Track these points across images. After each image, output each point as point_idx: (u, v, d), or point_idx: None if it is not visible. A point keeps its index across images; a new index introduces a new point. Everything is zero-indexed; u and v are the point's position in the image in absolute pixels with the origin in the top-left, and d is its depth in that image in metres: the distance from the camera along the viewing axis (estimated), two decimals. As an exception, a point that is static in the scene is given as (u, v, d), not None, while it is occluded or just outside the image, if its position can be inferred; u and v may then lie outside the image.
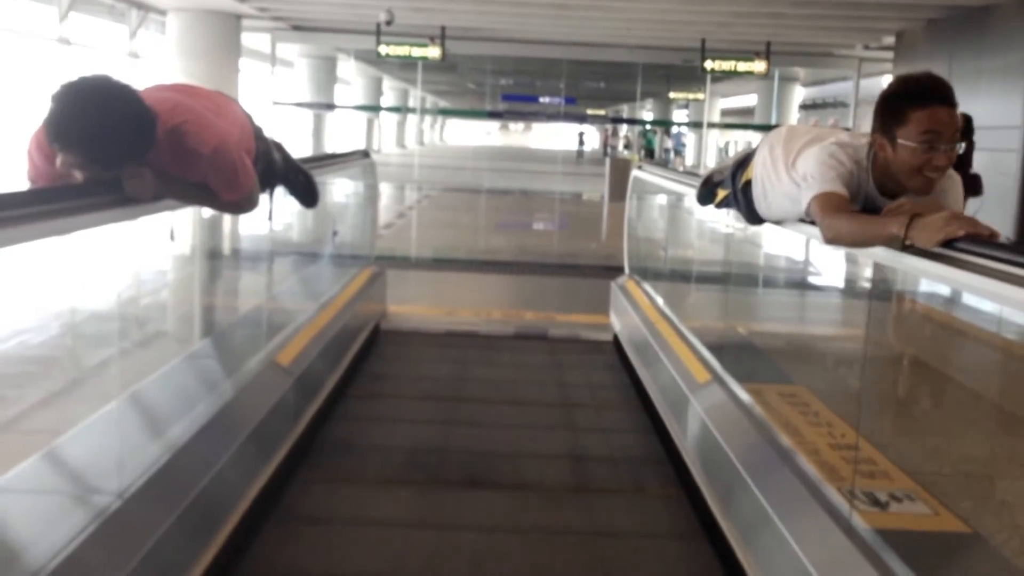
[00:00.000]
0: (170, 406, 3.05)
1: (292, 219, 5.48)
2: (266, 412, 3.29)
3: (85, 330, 4.07)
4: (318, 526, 3.24)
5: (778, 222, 3.01)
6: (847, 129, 3.35)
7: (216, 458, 2.79)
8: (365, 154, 6.43)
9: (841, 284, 4.96)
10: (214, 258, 4.11)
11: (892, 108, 2.42)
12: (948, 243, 2.00)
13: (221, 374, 3.52)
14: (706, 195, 3.71)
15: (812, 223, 2.57)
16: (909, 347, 4.20)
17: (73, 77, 2.31)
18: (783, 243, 4.52)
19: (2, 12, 13.50)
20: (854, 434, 2.79)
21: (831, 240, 2.43)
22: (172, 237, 4.14)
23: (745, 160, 3.21)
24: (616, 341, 5.99)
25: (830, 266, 4.78)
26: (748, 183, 3.08)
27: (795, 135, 2.84)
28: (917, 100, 2.37)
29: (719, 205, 3.58)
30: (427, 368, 5.58)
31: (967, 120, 13.13)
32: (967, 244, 1.96)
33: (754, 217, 3.14)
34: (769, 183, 2.90)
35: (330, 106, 25.31)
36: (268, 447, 3.32)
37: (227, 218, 3.80)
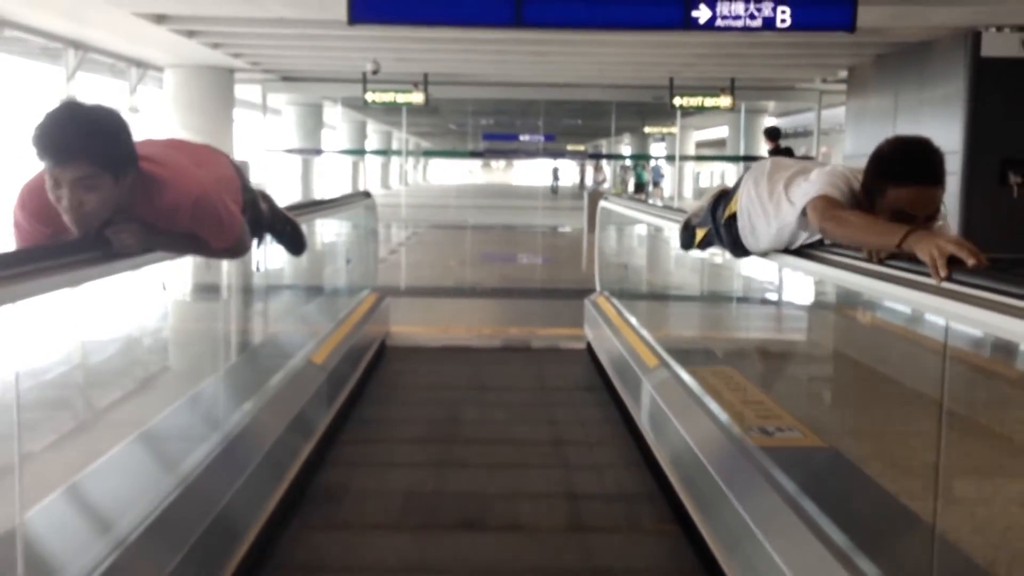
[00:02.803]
0: (246, 383, 4.00)
1: (321, 249, 6.47)
2: (309, 397, 4.23)
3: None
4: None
5: (764, 254, 3.06)
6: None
7: (283, 420, 3.73)
8: (367, 195, 7.42)
9: (768, 291, 5.94)
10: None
11: (876, 173, 2.44)
12: (950, 263, 1.98)
13: (276, 366, 4.46)
14: (687, 239, 3.77)
15: (795, 252, 2.76)
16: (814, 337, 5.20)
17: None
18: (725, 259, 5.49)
19: (11, 74, 14.46)
20: (760, 392, 3.75)
21: (837, 236, 2.47)
22: (164, 288, 4.25)
23: (724, 195, 3.30)
24: (589, 348, 6.95)
25: (758, 273, 5.74)
26: (732, 217, 3.11)
27: (779, 167, 2.89)
28: (897, 177, 2.38)
29: (701, 244, 3.65)
30: (428, 373, 6.57)
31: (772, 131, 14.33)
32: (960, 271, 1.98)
33: (739, 250, 3.18)
34: (755, 215, 2.92)
35: (318, 151, 26.28)
36: (312, 421, 4.28)
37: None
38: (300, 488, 3.90)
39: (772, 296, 5.47)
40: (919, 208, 2.36)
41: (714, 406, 3.72)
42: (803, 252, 2.79)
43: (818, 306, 4.90)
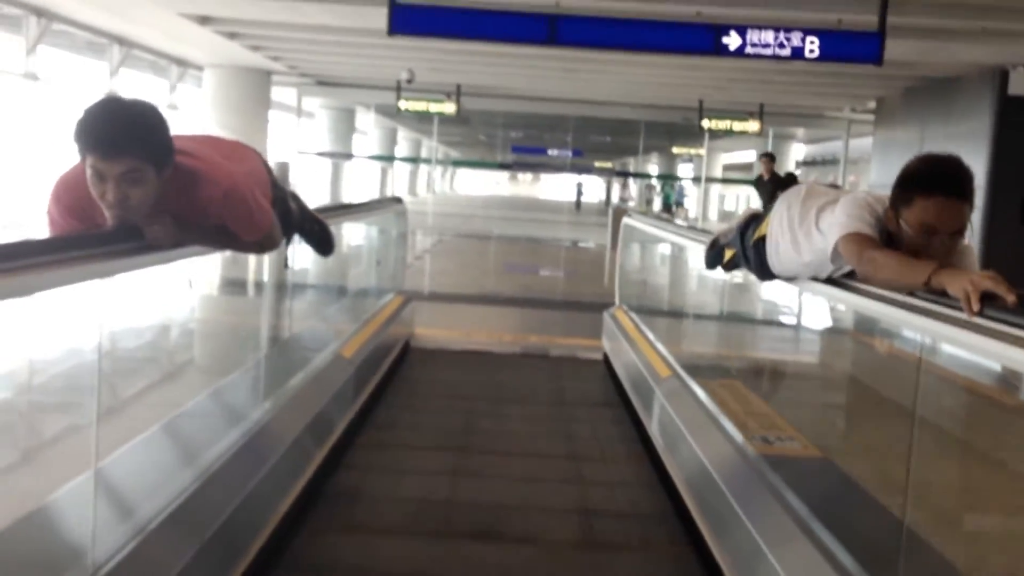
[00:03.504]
0: (293, 360, 4.29)
1: (353, 250, 6.75)
2: (338, 387, 4.49)
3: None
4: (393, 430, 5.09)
5: (791, 279, 3.07)
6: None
7: (323, 397, 4.07)
8: (398, 200, 7.67)
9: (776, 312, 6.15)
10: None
11: (902, 188, 2.42)
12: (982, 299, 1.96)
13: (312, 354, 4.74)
14: (713, 258, 3.78)
15: (827, 281, 2.75)
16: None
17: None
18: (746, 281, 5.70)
19: (59, 68, 14.85)
20: (763, 404, 3.96)
21: (868, 274, 2.46)
22: (191, 285, 4.29)
23: (756, 218, 3.32)
24: (606, 358, 7.17)
25: (772, 295, 5.95)
26: (761, 240, 3.11)
27: (813, 194, 2.85)
28: (924, 188, 2.36)
29: (727, 266, 3.66)
30: (449, 375, 6.82)
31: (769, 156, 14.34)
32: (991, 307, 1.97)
33: (765, 273, 3.18)
34: (784, 240, 2.90)
35: (349, 155, 26.64)
36: (340, 407, 4.56)
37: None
38: (339, 448, 4.46)
39: (786, 319, 5.66)
40: (945, 222, 2.34)
41: (721, 415, 3.93)
42: (833, 280, 2.80)
43: (831, 331, 5.09)
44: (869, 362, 4.61)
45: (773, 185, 13.84)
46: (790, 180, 14.81)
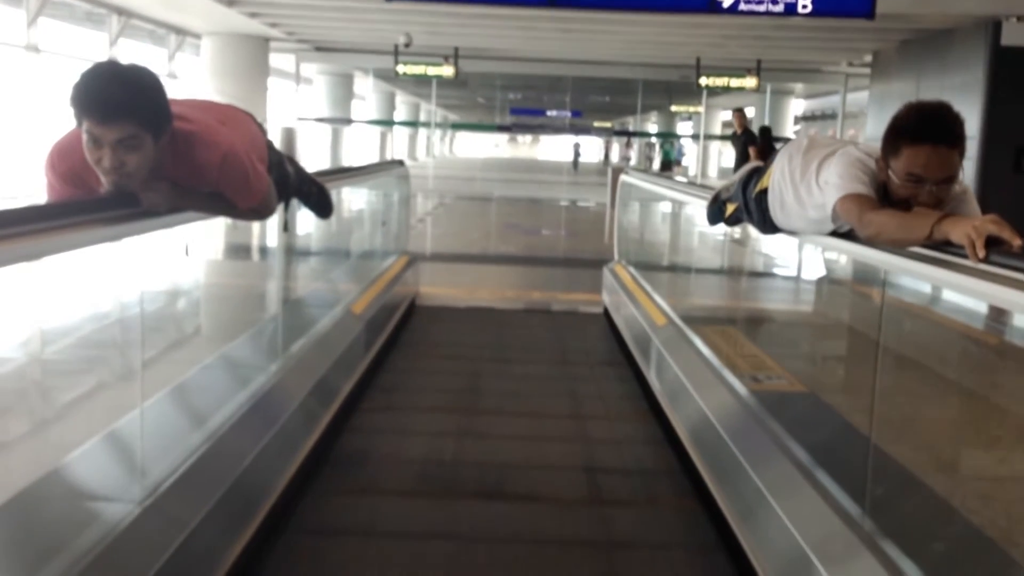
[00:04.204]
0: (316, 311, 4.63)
1: (358, 212, 6.97)
2: (351, 340, 4.73)
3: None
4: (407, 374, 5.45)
5: (793, 232, 3.04)
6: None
7: (341, 343, 4.41)
8: (400, 163, 7.86)
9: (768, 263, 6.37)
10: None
11: (891, 136, 2.41)
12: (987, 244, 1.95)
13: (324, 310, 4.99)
14: (715, 213, 3.74)
15: (833, 233, 2.71)
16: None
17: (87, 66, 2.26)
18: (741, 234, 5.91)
19: (59, 39, 14.96)
20: (753, 347, 4.19)
21: (871, 237, 2.43)
22: (187, 252, 4.43)
23: (757, 171, 3.26)
24: (606, 312, 7.40)
25: (766, 248, 6.15)
26: (763, 192, 3.08)
27: (815, 146, 2.82)
28: (911, 136, 2.35)
29: (729, 220, 3.63)
30: (453, 328, 7.12)
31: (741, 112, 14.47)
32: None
33: (768, 226, 3.15)
34: (787, 192, 2.87)
35: (349, 121, 26.72)
36: (354, 357, 4.86)
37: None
38: (360, 384, 4.90)
39: (775, 270, 5.89)
40: (932, 170, 2.32)
41: (713, 358, 4.16)
42: (837, 232, 2.76)
43: (814, 280, 5.32)
44: (849, 306, 4.83)
45: (745, 138, 14.13)
46: (764, 133, 15.06)
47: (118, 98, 2.20)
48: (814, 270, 5.13)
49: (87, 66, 2.24)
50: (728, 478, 3.21)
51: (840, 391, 4.02)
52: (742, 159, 14.05)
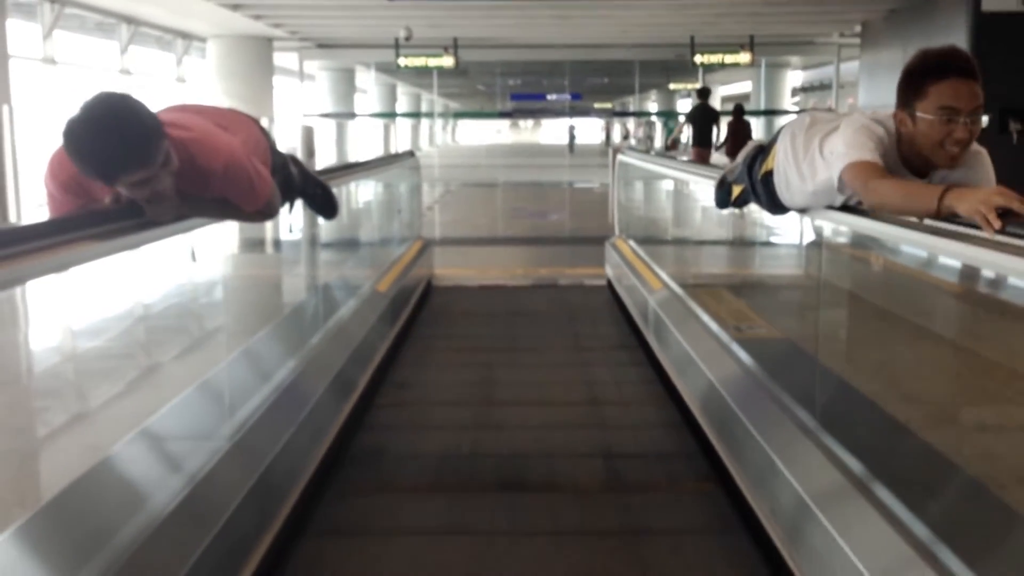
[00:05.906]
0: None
1: (376, 202, 7.51)
2: (380, 312, 5.29)
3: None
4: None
5: (802, 210, 3.01)
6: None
7: (369, 320, 4.97)
8: (411, 154, 8.39)
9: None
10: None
11: (912, 82, 2.41)
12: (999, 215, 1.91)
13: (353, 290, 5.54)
14: (723, 197, 3.69)
15: (840, 208, 2.69)
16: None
17: (69, 118, 2.20)
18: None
19: (72, 49, 15.46)
20: (741, 303, 4.72)
21: (876, 205, 2.42)
22: (194, 258, 5.11)
23: (762, 151, 3.22)
24: (609, 284, 7.93)
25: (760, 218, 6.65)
26: (769, 173, 3.05)
27: (818, 122, 2.81)
28: (936, 73, 2.36)
29: (737, 203, 3.59)
30: (468, 302, 7.73)
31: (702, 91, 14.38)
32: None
33: (776, 206, 3.13)
34: (792, 171, 2.86)
35: (352, 115, 27.15)
36: (382, 329, 5.42)
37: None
38: (388, 357, 5.48)
39: (770, 238, 6.36)
40: (964, 100, 2.34)
41: (702, 313, 4.71)
42: (848, 207, 2.73)
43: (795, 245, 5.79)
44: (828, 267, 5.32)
45: (702, 116, 14.33)
46: (737, 112, 15.26)
47: (109, 155, 2.18)
48: (793, 237, 5.62)
49: (64, 124, 2.20)
50: (710, 405, 3.76)
51: (810, 337, 4.52)
52: (700, 137, 14.20)
